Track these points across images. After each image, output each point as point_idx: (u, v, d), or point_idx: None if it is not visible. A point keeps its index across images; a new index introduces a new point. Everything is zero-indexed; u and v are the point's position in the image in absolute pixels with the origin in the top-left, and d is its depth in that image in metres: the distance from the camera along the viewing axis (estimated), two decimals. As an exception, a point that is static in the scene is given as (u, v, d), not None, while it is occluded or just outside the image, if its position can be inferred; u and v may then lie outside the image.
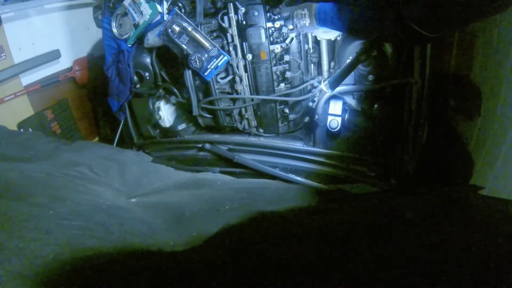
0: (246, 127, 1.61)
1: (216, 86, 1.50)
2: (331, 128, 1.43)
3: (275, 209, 0.96)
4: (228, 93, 1.51)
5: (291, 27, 1.33)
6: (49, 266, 0.61)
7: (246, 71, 1.43)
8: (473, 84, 1.17)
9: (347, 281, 0.55)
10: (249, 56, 1.38)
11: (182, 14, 1.38)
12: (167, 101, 1.75)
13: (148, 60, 1.62)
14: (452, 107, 1.29)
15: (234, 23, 1.35)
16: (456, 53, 1.26)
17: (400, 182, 1.39)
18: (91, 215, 0.85)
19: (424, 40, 1.14)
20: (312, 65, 1.50)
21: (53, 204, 0.88)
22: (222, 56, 1.39)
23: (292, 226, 0.84)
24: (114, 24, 1.58)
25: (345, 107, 1.46)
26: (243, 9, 1.32)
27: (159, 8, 1.45)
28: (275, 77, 1.43)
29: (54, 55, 1.96)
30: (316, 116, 1.46)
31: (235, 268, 0.64)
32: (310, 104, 1.53)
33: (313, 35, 1.41)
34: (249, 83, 1.46)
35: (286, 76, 1.42)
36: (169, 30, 1.37)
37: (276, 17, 1.33)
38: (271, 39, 1.35)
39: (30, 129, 1.86)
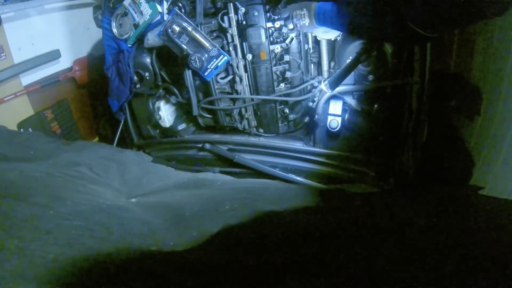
0: (246, 127, 1.61)
1: (216, 86, 1.50)
2: (331, 128, 1.43)
3: (275, 209, 0.96)
4: (228, 93, 1.51)
5: (291, 27, 1.33)
6: (49, 266, 0.61)
7: (246, 71, 1.43)
8: (473, 84, 1.17)
9: (347, 281, 0.55)
10: (249, 56, 1.38)
11: (182, 14, 1.38)
12: (167, 101, 1.74)
13: (148, 60, 1.62)
14: (452, 107, 1.29)
15: (234, 23, 1.35)
16: (456, 53, 1.26)
17: (400, 182, 1.39)
18: (91, 215, 0.85)
19: (424, 40, 1.14)
20: (312, 65, 1.50)
21: (53, 204, 0.88)
22: (222, 56, 1.39)
23: (292, 226, 0.84)
24: (114, 24, 1.58)
25: (345, 107, 1.46)
26: (243, 9, 1.32)
27: (159, 8, 1.45)
28: (275, 77, 1.43)
29: (54, 55, 1.96)
30: (316, 116, 1.46)
31: (235, 268, 0.64)
32: (310, 104, 1.53)
33: (313, 35, 1.41)
34: (249, 83, 1.46)
35: (286, 76, 1.42)
36: (169, 30, 1.37)
37: (276, 17, 1.33)
38: (271, 39, 1.35)
39: (30, 129, 1.86)
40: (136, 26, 1.53)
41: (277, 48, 1.37)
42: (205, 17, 1.41)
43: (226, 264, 0.65)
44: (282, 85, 1.46)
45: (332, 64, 1.47)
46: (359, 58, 1.22)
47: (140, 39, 1.57)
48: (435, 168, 1.35)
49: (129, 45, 1.60)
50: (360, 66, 1.32)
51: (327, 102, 1.45)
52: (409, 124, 1.33)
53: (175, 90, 1.64)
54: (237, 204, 1.00)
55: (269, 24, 1.34)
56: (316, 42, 1.44)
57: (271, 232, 0.81)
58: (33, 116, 1.90)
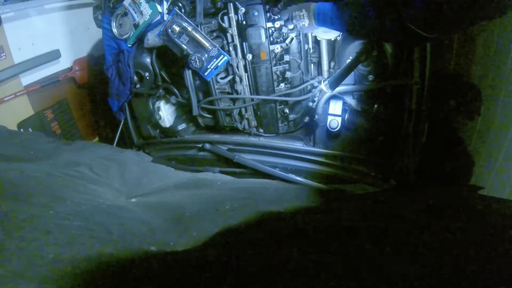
0: (246, 127, 1.61)
1: (216, 86, 1.50)
2: (331, 128, 1.43)
3: (275, 209, 0.96)
4: (228, 93, 1.51)
5: (291, 27, 1.33)
6: (49, 266, 0.61)
7: (246, 71, 1.43)
8: (473, 84, 1.17)
9: (347, 281, 0.55)
10: (249, 56, 1.38)
11: (182, 14, 1.38)
12: (167, 101, 1.74)
13: (148, 60, 1.62)
14: (452, 107, 1.29)
15: (234, 23, 1.35)
16: (456, 53, 1.26)
17: (400, 182, 1.39)
18: (91, 215, 0.85)
19: (424, 41, 1.14)
20: (312, 65, 1.50)
21: (53, 204, 0.88)
22: (222, 56, 1.39)
23: (292, 226, 0.84)
24: (114, 24, 1.58)
25: (345, 107, 1.46)
26: (243, 9, 1.32)
27: (159, 8, 1.45)
28: (275, 77, 1.43)
29: (54, 55, 1.96)
30: (316, 116, 1.46)
31: (235, 268, 0.64)
32: (310, 104, 1.53)
33: (313, 35, 1.41)
34: (249, 83, 1.46)
35: (286, 76, 1.42)
36: (169, 30, 1.37)
37: (276, 17, 1.33)
38: (271, 39, 1.35)
39: (30, 129, 1.86)
40: (136, 26, 1.53)
41: (277, 48, 1.37)
42: (205, 17, 1.41)
43: (226, 264, 0.65)
44: (282, 85, 1.46)
45: (332, 64, 1.47)
46: (359, 58, 1.22)
47: (140, 39, 1.57)
48: (435, 168, 1.35)
49: (129, 45, 1.60)
50: (360, 66, 1.32)
51: (327, 102, 1.45)
52: (409, 124, 1.33)
53: (175, 90, 1.64)
54: (237, 204, 1.00)
55: (269, 24, 1.34)
56: (316, 42, 1.44)
57: (271, 232, 0.81)
58: (33, 116, 1.90)
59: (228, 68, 1.46)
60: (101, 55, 1.82)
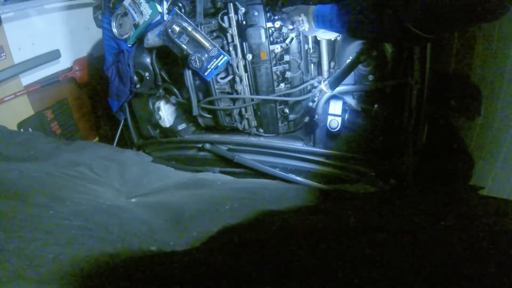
0: (246, 127, 1.61)
1: (216, 86, 1.50)
2: (331, 128, 1.43)
3: (275, 209, 0.96)
4: (228, 93, 1.51)
5: (291, 27, 1.33)
6: (49, 266, 0.61)
7: (246, 71, 1.43)
8: (473, 84, 1.17)
9: (347, 281, 0.55)
10: (249, 56, 1.38)
11: (182, 14, 1.38)
12: (167, 101, 1.74)
13: (148, 60, 1.62)
14: (452, 107, 1.29)
15: (234, 23, 1.35)
16: (456, 54, 1.26)
17: (400, 182, 1.39)
18: (91, 215, 0.85)
19: (424, 41, 1.14)
20: (312, 65, 1.50)
21: (53, 204, 0.88)
22: (222, 56, 1.39)
23: (292, 226, 0.84)
24: (114, 24, 1.58)
25: (345, 107, 1.46)
26: (243, 9, 1.32)
27: (159, 8, 1.45)
28: (275, 77, 1.43)
29: (54, 55, 1.96)
30: (316, 116, 1.46)
31: (235, 268, 0.64)
32: (310, 104, 1.53)
33: (313, 35, 1.41)
34: (249, 83, 1.46)
35: (286, 76, 1.42)
36: (169, 30, 1.37)
37: (276, 17, 1.33)
38: (271, 39, 1.35)
39: (30, 129, 1.86)
40: (136, 26, 1.53)
41: (277, 48, 1.37)
42: (205, 17, 1.41)
43: (226, 264, 0.65)
44: (282, 85, 1.46)
45: (332, 64, 1.47)
46: (359, 58, 1.22)
47: (140, 39, 1.57)
48: (435, 168, 1.35)
49: (129, 45, 1.60)
50: (360, 66, 1.33)
51: (327, 102, 1.45)
52: (409, 124, 1.33)
53: (175, 90, 1.64)
54: (237, 204, 1.00)
55: (269, 24, 1.34)
56: (316, 42, 1.44)
57: (271, 232, 0.81)
58: (33, 116, 1.90)
59: (228, 68, 1.46)
60: (101, 55, 1.82)
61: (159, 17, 1.46)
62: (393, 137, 1.40)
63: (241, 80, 1.45)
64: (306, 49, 1.43)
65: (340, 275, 0.57)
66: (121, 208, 0.98)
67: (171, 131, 1.79)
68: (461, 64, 1.25)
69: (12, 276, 0.57)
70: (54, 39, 2.00)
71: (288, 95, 1.46)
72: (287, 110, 1.52)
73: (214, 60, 1.40)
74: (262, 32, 1.32)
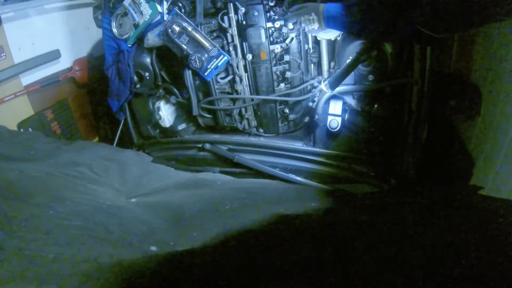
0: (246, 127, 1.61)
1: (216, 86, 1.50)
2: (331, 128, 1.43)
3: (275, 209, 0.96)
4: (228, 93, 1.51)
5: (291, 27, 1.33)
6: (49, 266, 0.61)
7: (246, 71, 1.43)
8: (473, 84, 1.17)
9: (347, 282, 0.55)
10: (249, 56, 1.38)
11: (182, 14, 1.38)
12: (167, 101, 1.74)
13: (148, 60, 1.62)
14: (452, 107, 1.29)
15: (234, 23, 1.35)
16: (456, 53, 1.27)
17: (400, 182, 1.39)
18: (91, 215, 0.85)
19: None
20: (312, 65, 1.50)
21: (53, 204, 0.87)
22: (222, 56, 1.39)
23: (292, 226, 0.84)
24: (114, 24, 1.58)
25: (345, 107, 1.46)
26: (243, 9, 1.32)
27: (159, 8, 1.45)
28: (275, 77, 1.43)
29: (54, 55, 1.96)
30: (316, 116, 1.46)
31: (235, 268, 0.64)
32: (310, 104, 1.53)
33: (313, 35, 1.41)
34: (249, 83, 1.46)
35: (286, 76, 1.42)
36: (169, 30, 1.37)
37: (276, 17, 1.33)
38: (271, 39, 1.35)
39: (30, 129, 1.86)
40: (136, 26, 1.53)
41: (277, 48, 1.37)
42: (205, 17, 1.41)
43: (226, 264, 0.65)
44: (282, 85, 1.46)
45: (332, 64, 1.47)
46: (359, 58, 1.22)
47: (140, 39, 1.57)
48: (435, 168, 1.35)
49: (129, 45, 1.60)
50: (360, 66, 1.33)
51: (327, 102, 1.45)
52: (409, 124, 1.33)
53: (175, 90, 1.64)
54: (237, 204, 1.00)
55: (269, 24, 1.34)
56: (316, 42, 1.44)
57: (271, 232, 0.81)
58: (33, 116, 1.90)
59: (228, 68, 1.46)
60: (101, 55, 1.82)
61: (159, 17, 1.46)
62: (393, 137, 1.40)
63: (241, 80, 1.45)
64: (306, 49, 1.43)
65: (340, 275, 0.57)
66: (121, 208, 0.98)
67: (171, 131, 1.79)
68: (461, 64, 1.25)
69: (12, 276, 0.57)
70: (54, 39, 2.00)
71: (288, 95, 1.46)
72: (287, 110, 1.52)
73: (214, 60, 1.40)
74: (262, 32, 1.32)
